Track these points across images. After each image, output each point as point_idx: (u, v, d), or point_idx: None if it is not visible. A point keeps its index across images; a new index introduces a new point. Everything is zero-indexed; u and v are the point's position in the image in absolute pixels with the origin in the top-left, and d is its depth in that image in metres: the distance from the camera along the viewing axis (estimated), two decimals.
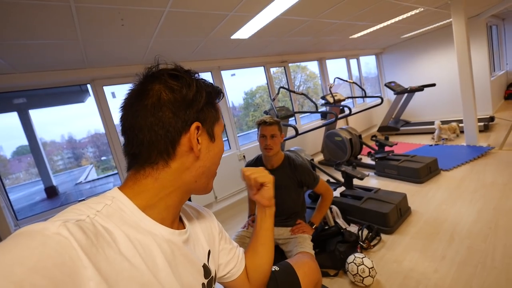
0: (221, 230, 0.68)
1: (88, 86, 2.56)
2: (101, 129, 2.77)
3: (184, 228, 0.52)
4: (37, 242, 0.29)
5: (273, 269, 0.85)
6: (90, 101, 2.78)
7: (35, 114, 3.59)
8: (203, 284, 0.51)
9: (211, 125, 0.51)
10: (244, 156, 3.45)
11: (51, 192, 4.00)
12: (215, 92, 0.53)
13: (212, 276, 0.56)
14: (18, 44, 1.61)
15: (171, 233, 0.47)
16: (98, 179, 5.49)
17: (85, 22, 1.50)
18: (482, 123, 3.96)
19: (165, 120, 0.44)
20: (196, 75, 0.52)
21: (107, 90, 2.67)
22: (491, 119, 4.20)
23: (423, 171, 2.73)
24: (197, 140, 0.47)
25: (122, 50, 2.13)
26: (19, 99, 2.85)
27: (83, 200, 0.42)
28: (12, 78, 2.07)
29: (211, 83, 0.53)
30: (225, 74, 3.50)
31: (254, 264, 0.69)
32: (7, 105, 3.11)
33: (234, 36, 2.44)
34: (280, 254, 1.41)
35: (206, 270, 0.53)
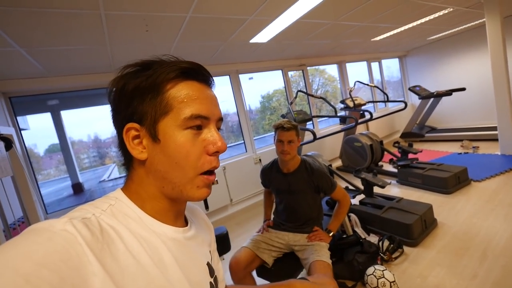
0: (214, 238, 0.64)
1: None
2: None
3: (187, 225, 0.51)
4: (43, 238, 0.30)
5: None
6: None
7: (66, 115, 3.85)
8: (210, 283, 0.50)
9: (153, 123, 0.41)
10: (260, 160, 3.44)
11: (78, 188, 4.25)
12: (164, 73, 0.40)
13: (216, 276, 0.55)
14: (53, 50, 1.73)
15: (175, 231, 0.46)
16: (120, 177, 5.75)
17: (113, 28, 1.59)
18: None
19: (115, 124, 0.45)
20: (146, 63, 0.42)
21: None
22: None
23: (451, 180, 2.55)
24: (142, 142, 0.42)
25: (146, 54, 2.18)
26: (52, 101, 3.09)
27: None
28: (47, 81, 2.23)
29: (166, 63, 0.41)
30: (243, 78, 3.53)
31: None
32: (42, 106, 3.37)
33: (253, 40, 2.46)
34: (296, 261, 1.38)
35: (210, 268, 0.52)
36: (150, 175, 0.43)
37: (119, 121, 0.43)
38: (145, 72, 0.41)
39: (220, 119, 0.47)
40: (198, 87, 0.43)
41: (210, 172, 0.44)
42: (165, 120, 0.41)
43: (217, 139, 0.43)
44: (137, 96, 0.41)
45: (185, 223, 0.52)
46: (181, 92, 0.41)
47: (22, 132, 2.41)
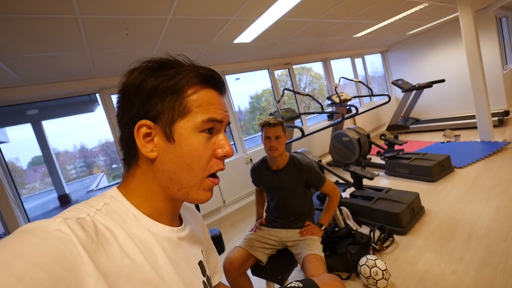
0: (206, 233, 0.66)
1: (97, 95, 2.63)
2: (111, 138, 2.83)
3: (182, 224, 0.51)
4: (38, 238, 0.29)
5: (297, 285, 0.81)
6: (100, 110, 2.86)
7: (48, 125, 3.72)
8: (203, 282, 0.51)
9: (169, 123, 0.42)
10: (251, 160, 3.44)
11: (64, 200, 4.12)
12: (186, 78, 0.42)
13: (208, 275, 0.55)
14: (29, 58, 1.67)
15: (170, 230, 0.46)
16: (109, 186, 5.61)
17: (91, 33, 1.55)
18: (496, 118, 3.82)
19: (122, 118, 0.43)
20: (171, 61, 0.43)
21: (115, 98, 2.75)
22: (506, 113, 4.04)
23: (435, 169, 2.64)
24: (153, 140, 0.42)
25: (128, 58, 2.17)
26: (32, 111, 2.97)
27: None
28: (24, 90, 2.15)
29: (187, 66, 0.43)
30: (230, 79, 3.53)
31: None
32: (21, 117, 3.24)
33: (237, 41, 2.46)
34: (289, 257, 1.39)
35: (202, 267, 0.53)
36: (157, 174, 0.43)
37: (130, 116, 0.42)
38: (165, 72, 0.42)
39: (228, 124, 0.50)
40: (214, 94, 0.45)
41: (215, 175, 0.47)
42: (182, 122, 0.42)
43: (225, 144, 0.46)
44: (156, 94, 0.41)
45: (180, 222, 0.52)
46: (200, 97, 0.43)
47: (1, 145, 2.31)
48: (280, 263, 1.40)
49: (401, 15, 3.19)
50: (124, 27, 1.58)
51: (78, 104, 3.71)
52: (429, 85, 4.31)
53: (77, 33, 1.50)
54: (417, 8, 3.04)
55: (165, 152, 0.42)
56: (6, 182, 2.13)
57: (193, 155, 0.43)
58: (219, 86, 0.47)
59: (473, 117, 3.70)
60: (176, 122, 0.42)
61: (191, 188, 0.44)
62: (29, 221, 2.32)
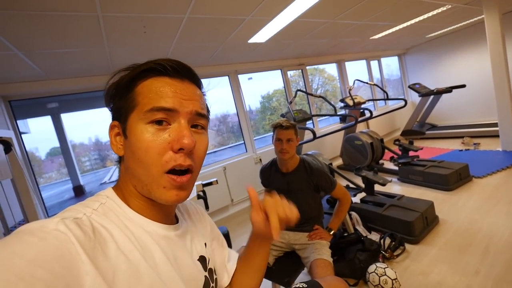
0: (212, 229, 0.65)
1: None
2: None
3: (177, 222, 0.52)
4: (36, 237, 0.30)
5: (301, 286, 0.81)
6: None
7: (66, 118, 3.87)
8: (205, 276, 0.51)
9: (124, 119, 0.42)
10: (260, 159, 3.44)
11: (79, 191, 4.28)
12: (136, 71, 0.42)
13: (211, 268, 0.55)
14: (52, 53, 1.74)
15: (165, 228, 0.46)
16: None
17: (111, 30, 1.59)
18: None
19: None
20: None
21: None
22: None
23: (452, 177, 2.54)
24: (117, 139, 0.44)
25: (144, 56, 2.22)
26: (52, 104, 3.10)
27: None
28: (46, 84, 2.24)
29: (134, 65, 0.43)
30: (242, 78, 3.53)
31: (242, 284, 0.64)
32: (42, 110, 3.39)
33: (251, 40, 2.46)
34: (297, 260, 1.37)
35: (203, 262, 0.53)
36: (127, 172, 0.44)
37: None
38: (126, 70, 0.44)
39: (200, 115, 0.43)
40: (168, 81, 0.41)
41: (180, 172, 0.41)
42: (131, 116, 0.41)
43: (182, 135, 0.39)
44: (115, 94, 0.43)
45: (176, 220, 0.53)
46: (149, 88, 0.40)
47: (23, 135, 2.42)
48: (287, 265, 1.39)
49: (421, 17, 3.08)
50: (143, 25, 1.62)
51: (95, 98, 3.83)
52: (449, 90, 4.14)
53: (97, 30, 1.55)
54: (440, 10, 2.93)
55: (125, 149, 0.43)
56: (26, 171, 2.22)
57: (140, 147, 0.39)
58: (177, 74, 0.42)
59: (495, 125, 3.53)
60: (129, 117, 0.41)
61: (151, 186, 0.40)
62: (45, 210, 2.42)
